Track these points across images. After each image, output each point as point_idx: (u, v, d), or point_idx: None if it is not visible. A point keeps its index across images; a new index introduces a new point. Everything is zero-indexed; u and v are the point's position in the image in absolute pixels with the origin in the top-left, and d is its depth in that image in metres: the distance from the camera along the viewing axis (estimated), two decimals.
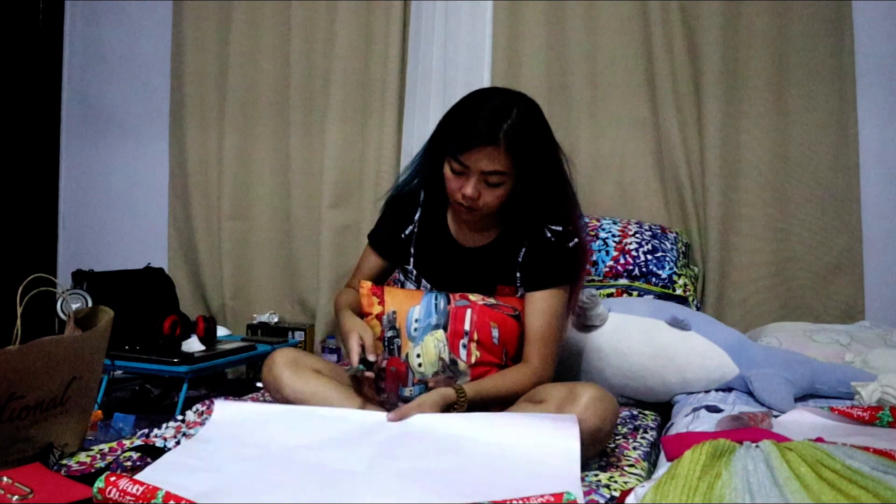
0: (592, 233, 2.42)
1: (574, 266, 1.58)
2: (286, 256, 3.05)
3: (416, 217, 1.66)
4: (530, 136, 1.47)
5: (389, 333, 1.54)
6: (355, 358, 1.43)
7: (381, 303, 1.57)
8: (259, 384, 2.08)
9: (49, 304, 2.40)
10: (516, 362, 1.55)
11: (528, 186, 1.51)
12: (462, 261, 1.62)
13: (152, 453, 1.37)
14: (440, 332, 1.52)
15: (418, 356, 1.51)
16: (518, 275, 1.59)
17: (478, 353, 1.51)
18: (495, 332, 1.52)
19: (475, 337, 1.51)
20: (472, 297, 1.56)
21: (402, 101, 2.87)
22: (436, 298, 1.55)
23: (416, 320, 1.53)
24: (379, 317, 1.56)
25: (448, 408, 1.38)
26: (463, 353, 1.51)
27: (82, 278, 2.55)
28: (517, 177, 1.49)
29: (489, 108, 1.46)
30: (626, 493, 1.10)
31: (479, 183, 1.46)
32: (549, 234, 1.56)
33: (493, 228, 1.62)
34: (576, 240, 1.57)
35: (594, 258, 2.34)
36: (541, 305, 1.54)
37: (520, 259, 1.58)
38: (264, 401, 1.82)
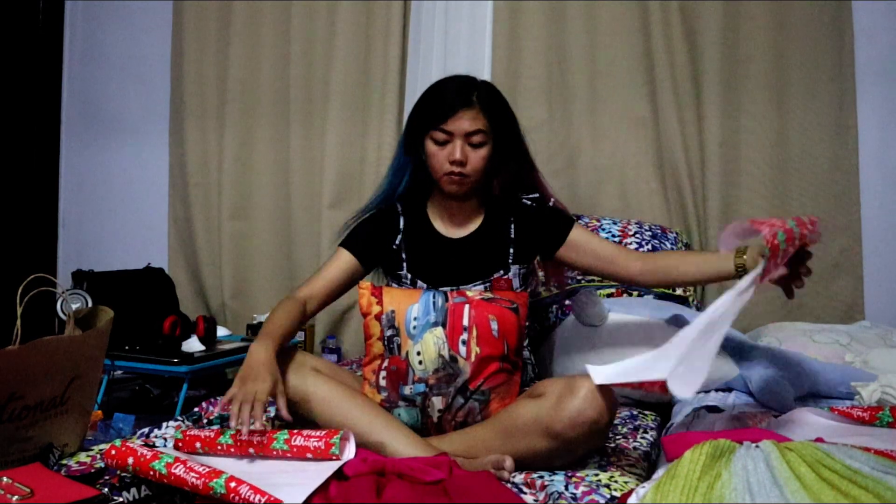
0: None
1: (566, 214, 1.72)
2: (286, 256, 3.05)
3: (401, 226, 1.70)
4: (499, 99, 1.64)
5: (389, 332, 1.55)
6: (235, 422, 1.29)
7: (380, 302, 1.57)
8: None
9: (49, 304, 2.39)
10: (518, 354, 1.55)
11: (503, 149, 1.64)
12: (454, 253, 1.67)
13: None
14: (439, 329, 1.52)
15: (418, 354, 1.51)
16: (512, 251, 1.66)
17: (478, 349, 1.51)
18: (494, 325, 1.52)
19: (474, 332, 1.51)
20: (470, 293, 1.57)
21: (402, 101, 2.86)
22: (434, 296, 1.56)
23: (415, 318, 1.54)
24: (378, 316, 1.57)
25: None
26: (462, 349, 1.51)
27: (82, 278, 2.55)
28: (495, 137, 1.61)
29: (455, 81, 1.63)
30: (626, 495, 1.10)
31: (464, 146, 1.58)
32: (528, 202, 1.70)
33: (476, 215, 1.70)
34: (553, 199, 1.73)
35: None
36: (580, 238, 1.66)
37: (512, 236, 1.67)
38: None
